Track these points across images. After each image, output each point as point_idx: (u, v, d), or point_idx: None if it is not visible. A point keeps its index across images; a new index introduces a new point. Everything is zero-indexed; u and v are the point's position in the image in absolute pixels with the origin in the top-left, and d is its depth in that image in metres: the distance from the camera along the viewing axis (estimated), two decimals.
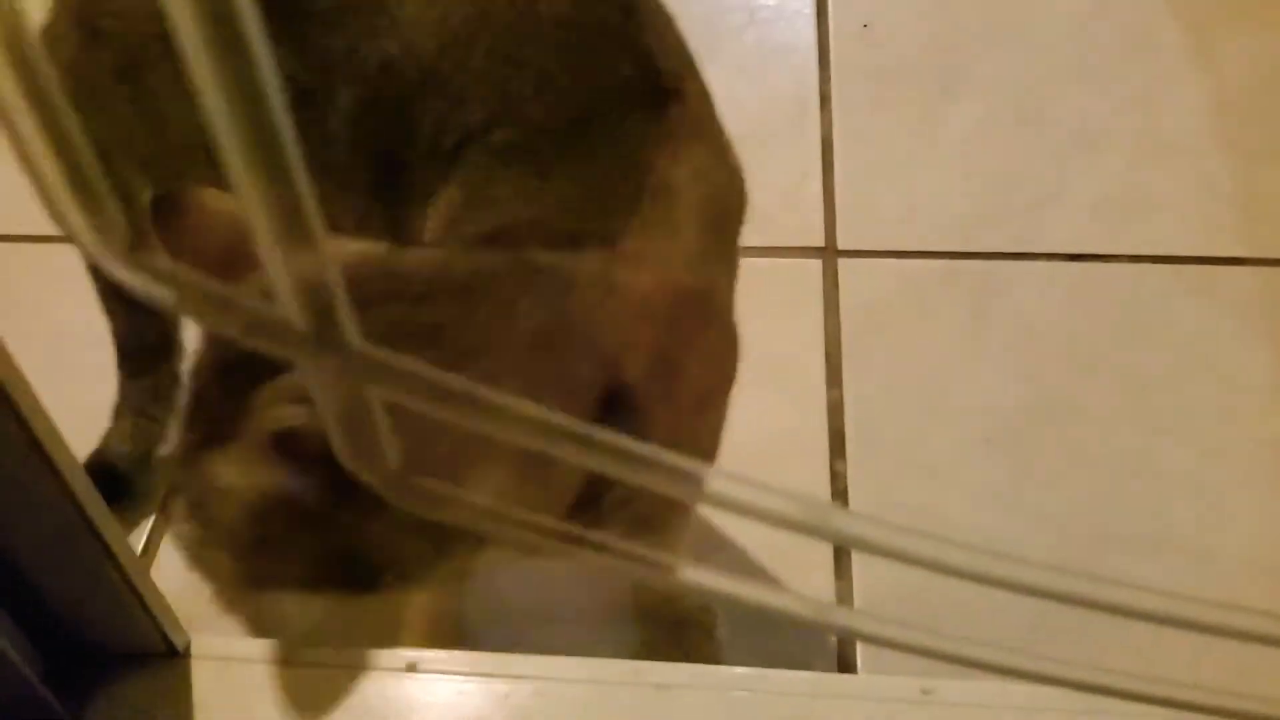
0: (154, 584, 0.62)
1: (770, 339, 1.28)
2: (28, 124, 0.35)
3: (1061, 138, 1.43)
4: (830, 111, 1.49)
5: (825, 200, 1.40)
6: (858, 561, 1.11)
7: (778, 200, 1.38)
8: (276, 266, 0.37)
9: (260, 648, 0.66)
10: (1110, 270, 1.33)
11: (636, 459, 0.34)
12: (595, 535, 0.36)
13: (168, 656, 0.63)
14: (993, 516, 1.14)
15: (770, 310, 1.31)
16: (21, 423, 0.51)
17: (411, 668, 0.65)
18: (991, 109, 1.47)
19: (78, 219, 0.38)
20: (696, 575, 0.42)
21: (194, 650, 0.65)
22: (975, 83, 1.50)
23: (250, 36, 0.25)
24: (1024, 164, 1.41)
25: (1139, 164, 1.41)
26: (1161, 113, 1.46)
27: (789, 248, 1.36)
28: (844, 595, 1.10)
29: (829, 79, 1.52)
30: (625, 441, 0.36)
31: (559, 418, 0.41)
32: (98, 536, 0.57)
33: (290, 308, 0.38)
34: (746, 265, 1.32)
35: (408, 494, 0.48)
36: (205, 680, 0.64)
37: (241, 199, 0.34)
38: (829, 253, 1.35)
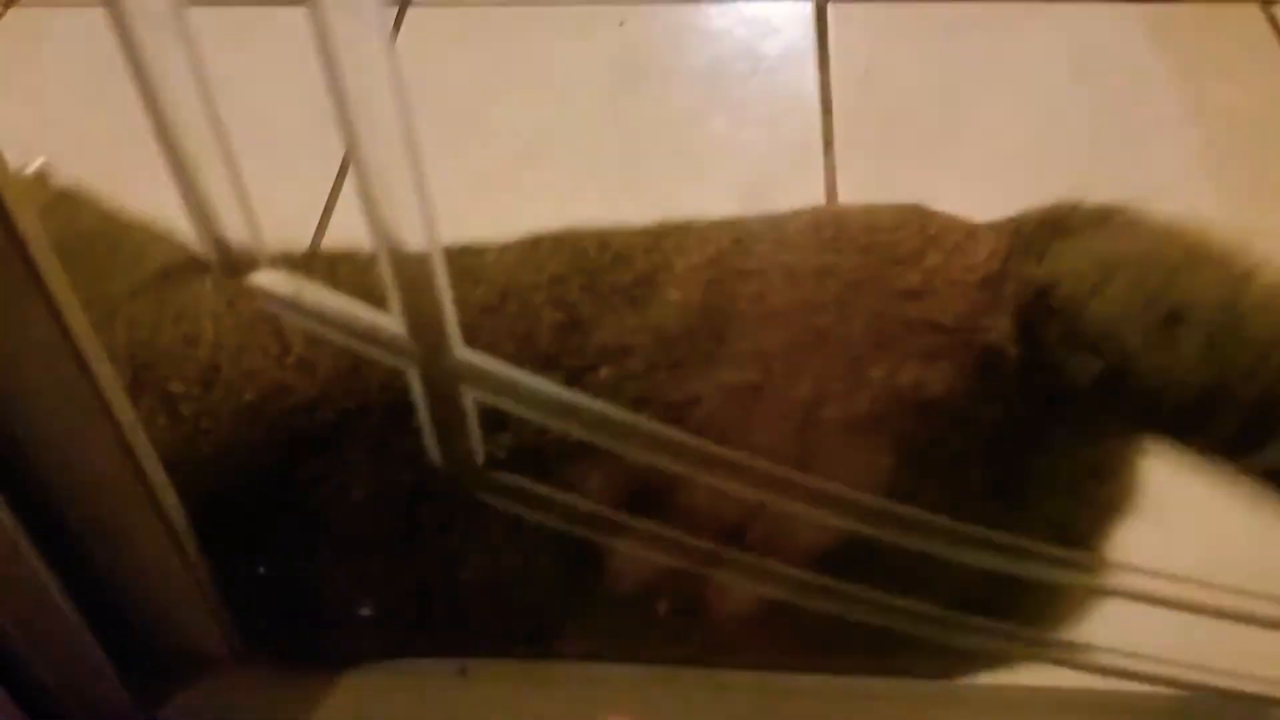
0: (214, 584, 0.65)
1: None
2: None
3: (1059, 183, 1.47)
4: (833, 157, 1.53)
5: None
6: None
7: None
8: (389, 279, 0.40)
9: (316, 651, 0.68)
10: None
11: None
12: None
13: (230, 661, 0.66)
14: None
15: None
16: (118, 433, 0.54)
17: (463, 671, 0.68)
18: (990, 154, 1.51)
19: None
20: None
21: (250, 654, 0.68)
22: (974, 128, 1.54)
23: None
24: (1023, 210, 1.45)
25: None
26: (1158, 160, 1.50)
27: None
28: None
29: (831, 125, 1.56)
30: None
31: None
32: (173, 536, 0.60)
33: (397, 319, 0.42)
34: None
35: (498, 490, 0.51)
36: (272, 684, 0.66)
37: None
38: None
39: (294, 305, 0.42)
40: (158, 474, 0.57)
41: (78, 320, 0.48)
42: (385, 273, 0.38)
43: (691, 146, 1.56)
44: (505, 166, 1.50)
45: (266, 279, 0.42)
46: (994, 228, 0.75)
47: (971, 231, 0.73)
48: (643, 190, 1.49)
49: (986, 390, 0.63)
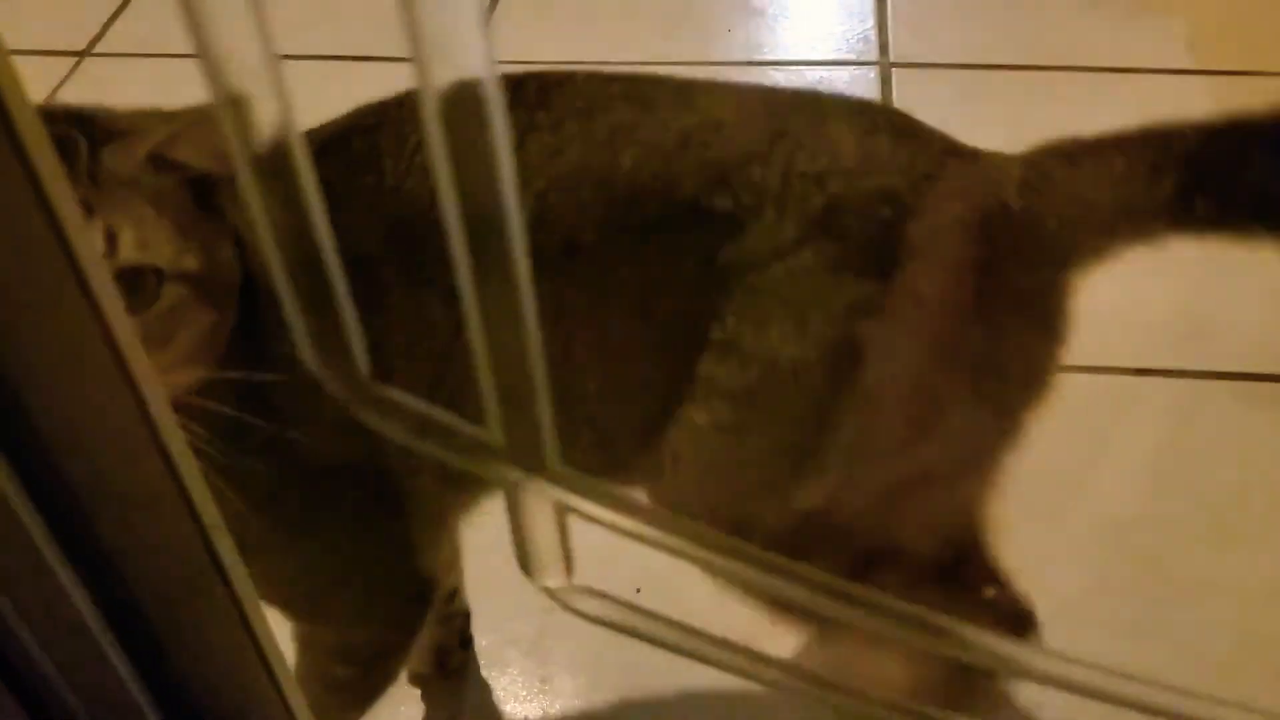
0: (286, 664, 0.64)
1: None
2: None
3: (1128, 255, 1.45)
4: None
5: None
6: None
7: None
8: (488, 390, 0.40)
9: None
10: (1178, 386, 1.34)
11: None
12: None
13: None
14: (1064, 629, 1.15)
15: None
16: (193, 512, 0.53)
17: None
18: None
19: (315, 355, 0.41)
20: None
21: None
22: None
23: None
24: (1090, 281, 1.43)
25: (1205, 282, 1.43)
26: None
27: None
28: None
29: None
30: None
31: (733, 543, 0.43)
32: (244, 618, 0.59)
33: (496, 433, 0.41)
34: None
35: (584, 604, 0.50)
36: None
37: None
38: None
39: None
40: (225, 542, 0.56)
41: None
42: (485, 384, 0.37)
43: None
44: None
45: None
46: None
47: None
48: None
49: None
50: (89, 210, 0.68)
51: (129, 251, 0.68)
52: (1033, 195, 0.78)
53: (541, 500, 0.42)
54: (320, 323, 0.38)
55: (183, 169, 0.72)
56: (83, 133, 0.70)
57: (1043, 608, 1.15)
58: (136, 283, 0.69)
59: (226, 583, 0.55)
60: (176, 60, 1.88)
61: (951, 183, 0.78)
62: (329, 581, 0.85)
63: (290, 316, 0.38)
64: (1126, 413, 1.32)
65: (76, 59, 1.83)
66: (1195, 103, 1.64)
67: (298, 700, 0.65)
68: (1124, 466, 1.27)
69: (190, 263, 0.71)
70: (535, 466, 0.41)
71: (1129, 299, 1.40)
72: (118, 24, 1.92)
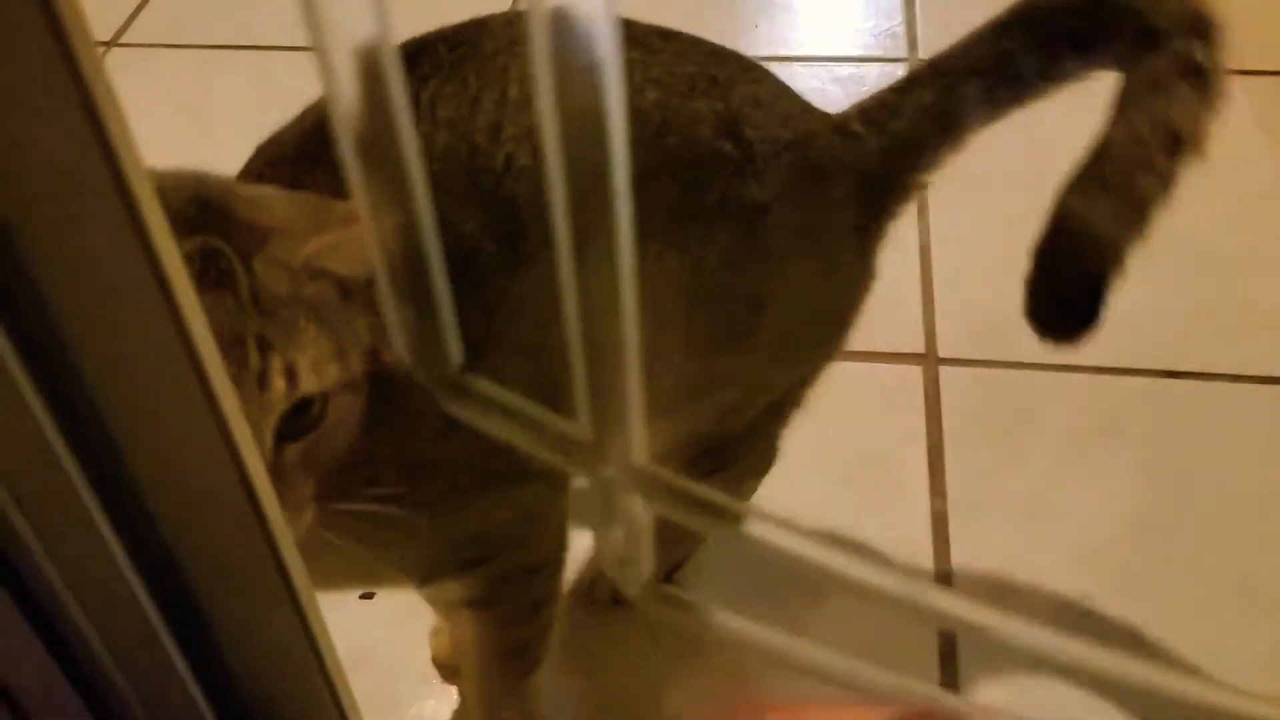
0: (341, 668, 0.63)
1: (872, 444, 1.29)
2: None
3: (1161, 252, 1.44)
4: (928, 219, 1.51)
5: (925, 307, 1.41)
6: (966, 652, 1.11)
7: (877, 306, 1.40)
8: (580, 388, 0.39)
9: None
10: (1209, 388, 1.33)
11: None
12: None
13: None
14: (1099, 628, 1.14)
15: (871, 415, 1.32)
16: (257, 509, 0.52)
17: None
18: None
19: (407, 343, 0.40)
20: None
21: None
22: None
23: None
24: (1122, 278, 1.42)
25: (1239, 281, 1.42)
26: (1259, 234, 1.47)
27: (890, 354, 1.37)
28: (949, 682, 1.10)
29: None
30: None
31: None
32: (301, 617, 0.58)
33: (585, 426, 0.40)
34: (847, 370, 1.33)
35: (662, 606, 0.49)
36: None
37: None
38: (929, 360, 1.36)
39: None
40: (285, 538, 0.55)
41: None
42: (577, 373, 0.37)
43: None
44: None
45: None
46: None
47: None
48: None
49: None
50: (267, 347, 0.62)
51: (307, 383, 0.64)
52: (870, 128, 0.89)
53: (629, 499, 0.42)
54: (414, 313, 0.37)
55: (333, 275, 0.67)
56: (223, 238, 0.63)
57: (1068, 603, 1.15)
58: (305, 409, 0.65)
59: (284, 575, 0.54)
60: (202, 50, 1.88)
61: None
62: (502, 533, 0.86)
63: (384, 307, 0.37)
64: (1156, 414, 1.31)
65: (104, 49, 1.82)
66: (1232, 103, 1.63)
67: (347, 694, 0.64)
68: (1158, 466, 1.26)
69: (353, 367, 0.67)
70: (623, 463, 0.40)
71: (1158, 299, 1.39)
72: (143, 14, 1.91)
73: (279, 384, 0.62)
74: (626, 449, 0.40)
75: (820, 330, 0.97)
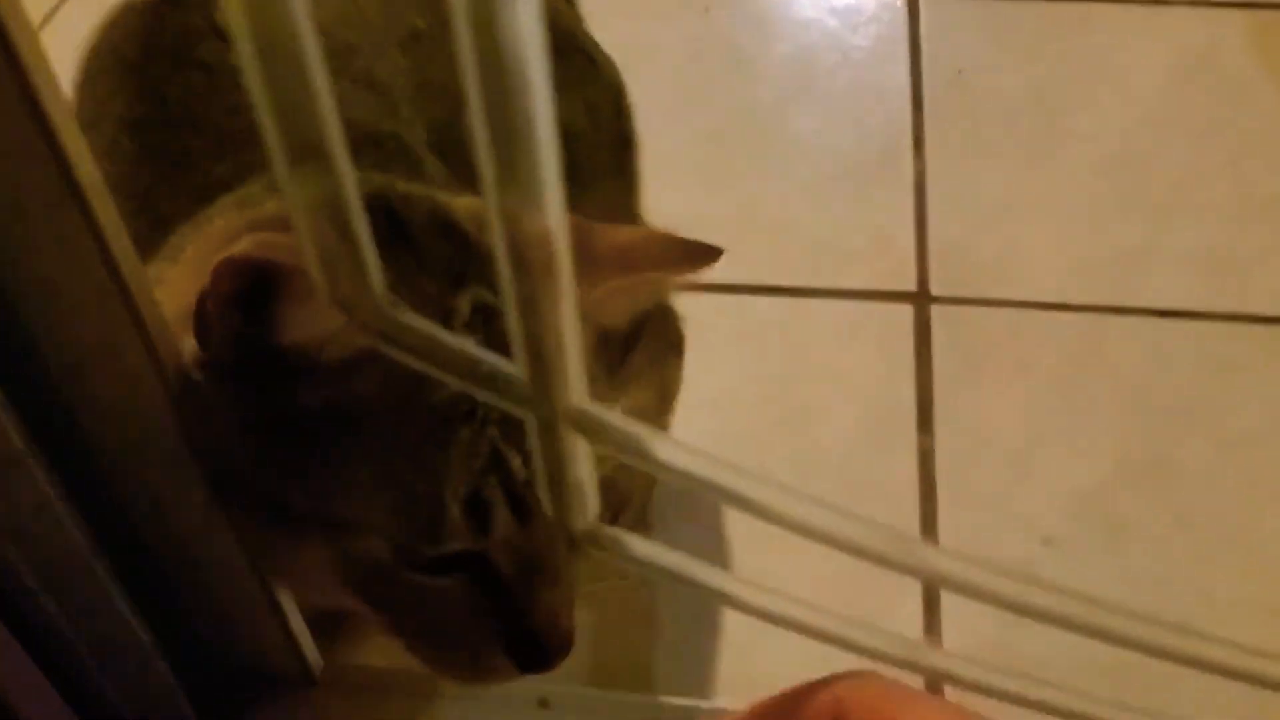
0: (295, 606, 0.62)
1: (861, 382, 1.28)
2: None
3: (1156, 193, 1.43)
4: (924, 156, 1.48)
5: (918, 245, 1.40)
6: (947, 601, 1.10)
7: (869, 243, 1.38)
8: (513, 322, 0.37)
9: (393, 677, 0.65)
10: (1204, 328, 1.32)
11: None
12: None
13: (304, 685, 0.63)
14: (1086, 575, 1.13)
15: (862, 353, 1.31)
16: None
17: (544, 703, 0.65)
18: (1085, 160, 1.46)
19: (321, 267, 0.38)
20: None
21: (326, 678, 0.65)
22: (1070, 133, 1.49)
23: None
24: (1119, 217, 1.41)
25: (1235, 221, 1.40)
26: (1257, 171, 1.45)
27: (880, 291, 1.35)
28: (933, 636, 1.09)
29: (922, 122, 1.52)
30: None
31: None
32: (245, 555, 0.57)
33: (520, 362, 0.38)
34: (838, 308, 1.32)
35: (607, 547, 0.48)
36: (339, 710, 0.63)
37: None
38: (921, 298, 1.35)
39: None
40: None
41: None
42: (511, 318, 0.35)
43: (775, 140, 1.52)
44: None
45: None
46: None
47: None
48: (722, 184, 1.45)
49: None
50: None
51: None
52: None
53: (570, 439, 0.40)
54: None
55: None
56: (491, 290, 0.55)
57: (1062, 548, 1.14)
58: None
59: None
60: None
61: None
62: None
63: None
64: (1149, 354, 1.29)
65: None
66: (1230, 39, 1.60)
67: (308, 642, 0.63)
68: (1151, 408, 1.25)
69: None
70: (561, 402, 0.39)
71: (1151, 239, 1.37)
72: None
73: None
74: (565, 388, 0.38)
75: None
